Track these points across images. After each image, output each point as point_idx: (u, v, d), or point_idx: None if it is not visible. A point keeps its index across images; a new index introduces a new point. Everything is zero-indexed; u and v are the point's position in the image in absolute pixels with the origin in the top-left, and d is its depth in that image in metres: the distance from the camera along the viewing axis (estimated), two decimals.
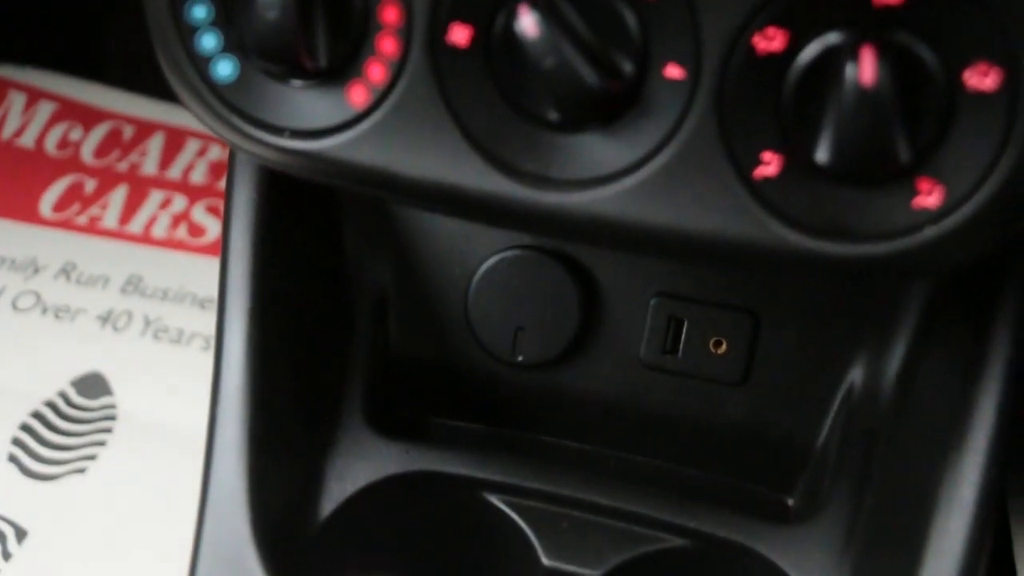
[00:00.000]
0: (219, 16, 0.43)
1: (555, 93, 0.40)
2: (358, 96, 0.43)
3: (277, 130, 0.44)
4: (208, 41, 0.44)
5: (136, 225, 0.91)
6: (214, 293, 0.84)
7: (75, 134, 0.99)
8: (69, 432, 0.76)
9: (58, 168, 0.96)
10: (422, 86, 0.42)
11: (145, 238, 0.90)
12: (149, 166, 0.96)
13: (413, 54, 0.42)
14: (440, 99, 0.42)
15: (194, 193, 0.94)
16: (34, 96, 1.02)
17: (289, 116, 0.44)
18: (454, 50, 0.41)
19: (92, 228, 0.91)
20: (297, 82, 0.43)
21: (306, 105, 0.44)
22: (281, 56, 0.42)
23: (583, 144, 0.41)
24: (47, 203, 0.93)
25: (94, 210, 0.92)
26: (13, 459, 0.74)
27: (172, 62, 0.44)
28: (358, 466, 0.54)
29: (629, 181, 0.41)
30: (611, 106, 0.40)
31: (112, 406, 0.77)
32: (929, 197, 0.39)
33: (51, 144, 0.98)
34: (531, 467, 0.54)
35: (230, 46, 0.44)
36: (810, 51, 0.39)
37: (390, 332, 0.58)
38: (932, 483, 0.47)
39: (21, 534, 0.70)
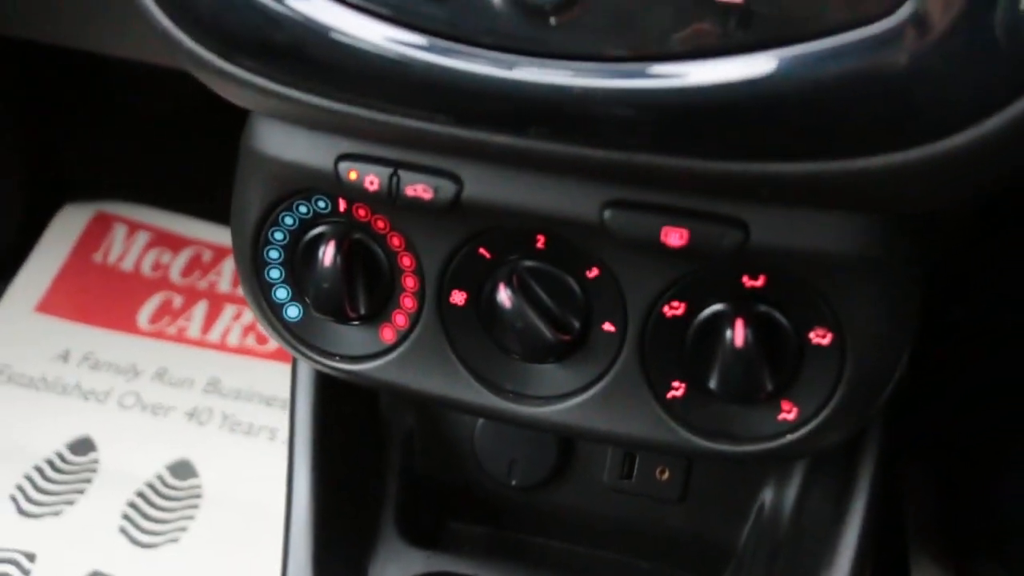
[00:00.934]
0: (289, 277, 0.58)
1: (523, 344, 0.55)
2: (387, 335, 0.58)
3: (330, 355, 0.59)
4: (281, 293, 0.59)
5: (215, 334, 1.07)
6: (278, 392, 1.01)
7: (165, 258, 1.15)
8: (165, 508, 0.93)
9: (152, 287, 1.13)
10: (432, 331, 0.57)
11: (222, 346, 1.06)
12: (224, 284, 1.12)
13: (426, 309, 0.57)
14: (445, 340, 0.57)
15: None
16: (133, 227, 1.18)
17: (338, 346, 0.59)
18: (455, 307, 0.56)
19: (180, 337, 1.07)
20: (344, 323, 0.59)
21: (351, 339, 0.59)
22: (333, 309, 0.57)
23: (545, 372, 0.57)
24: (144, 316, 1.09)
25: (181, 322, 1.08)
26: (123, 531, 0.91)
27: (256, 306, 0.60)
28: (391, 568, 0.69)
29: (578, 400, 0.56)
30: (564, 350, 0.55)
31: (198, 486, 0.95)
32: (788, 414, 0.54)
33: (146, 267, 1.15)
34: (521, 568, 0.70)
35: (297, 297, 0.59)
36: (702, 316, 0.53)
37: (415, 461, 0.72)
38: None
39: None
